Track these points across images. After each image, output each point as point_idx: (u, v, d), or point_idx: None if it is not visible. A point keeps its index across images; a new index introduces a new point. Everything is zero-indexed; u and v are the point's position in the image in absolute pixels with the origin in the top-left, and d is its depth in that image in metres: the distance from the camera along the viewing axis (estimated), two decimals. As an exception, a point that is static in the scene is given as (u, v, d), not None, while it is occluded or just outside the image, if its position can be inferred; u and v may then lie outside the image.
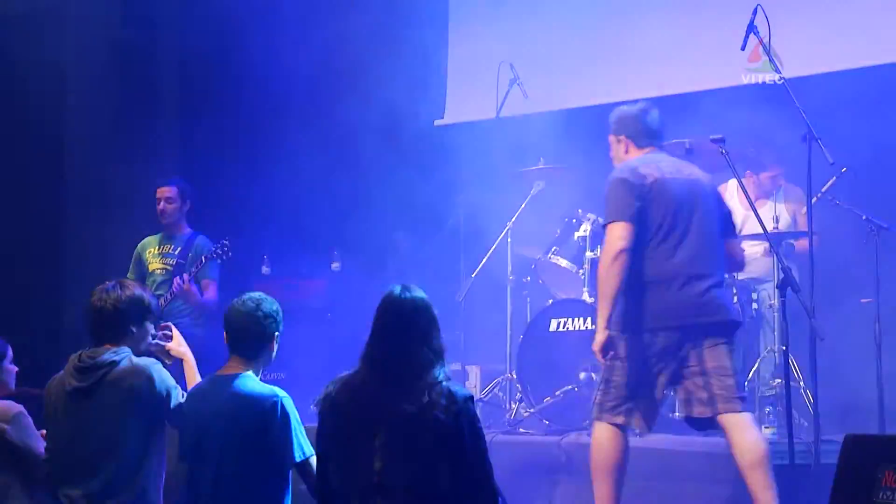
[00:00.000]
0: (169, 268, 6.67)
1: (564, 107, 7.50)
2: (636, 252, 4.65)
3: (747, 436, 4.60)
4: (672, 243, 4.68)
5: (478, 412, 3.93)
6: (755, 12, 5.25)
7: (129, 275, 6.75)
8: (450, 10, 8.38)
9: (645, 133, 4.96)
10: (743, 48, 5.38)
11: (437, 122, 8.37)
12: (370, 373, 3.57)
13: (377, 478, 3.43)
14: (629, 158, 4.92)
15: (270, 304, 4.15)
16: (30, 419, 4.38)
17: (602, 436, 4.74)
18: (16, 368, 4.65)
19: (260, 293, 4.19)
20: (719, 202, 4.96)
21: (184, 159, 8.68)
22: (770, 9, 5.27)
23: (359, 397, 3.54)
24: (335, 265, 8.14)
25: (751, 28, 5.28)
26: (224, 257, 6.44)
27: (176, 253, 6.70)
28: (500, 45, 7.49)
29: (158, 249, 6.76)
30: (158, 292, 6.51)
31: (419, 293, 3.64)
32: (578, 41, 7.64)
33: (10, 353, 4.62)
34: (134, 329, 4.23)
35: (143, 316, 4.27)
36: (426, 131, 8.25)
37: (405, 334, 3.56)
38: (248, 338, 4.10)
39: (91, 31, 8.02)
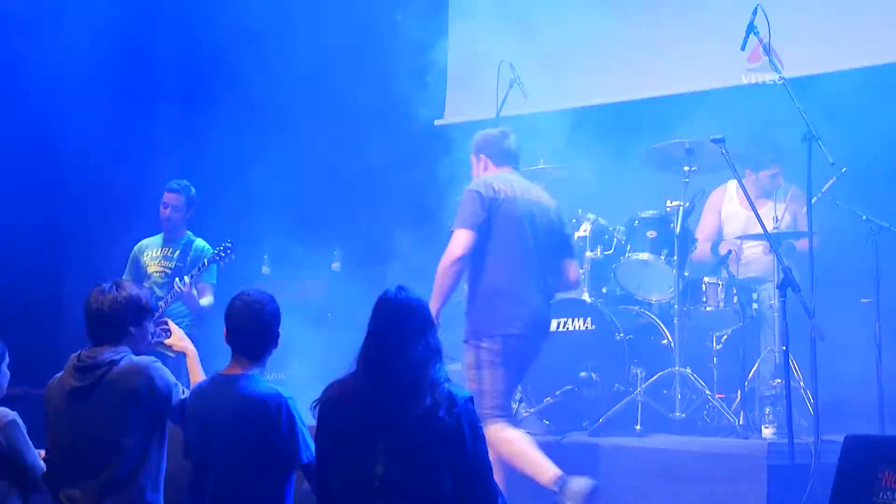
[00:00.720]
0: (168, 270, 6.66)
1: (564, 107, 7.50)
2: (484, 260, 5.13)
3: None
4: (512, 257, 5.16)
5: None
6: (755, 12, 5.24)
7: (124, 276, 6.74)
8: (450, 9, 8.38)
9: (502, 154, 5.40)
10: (743, 48, 5.38)
11: (438, 122, 8.36)
12: (367, 375, 3.55)
13: (379, 481, 3.42)
14: (487, 175, 5.36)
15: (273, 304, 4.14)
16: (23, 427, 4.36)
17: (506, 431, 5.06)
18: (8, 374, 4.62)
19: (261, 291, 4.17)
20: (561, 225, 5.39)
21: (184, 158, 8.68)
22: (770, 9, 5.26)
23: (358, 400, 3.53)
24: (335, 265, 8.14)
25: (751, 28, 5.28)
26: (226, 260, 6.43)
27: (175, 256, 6.68)
28: (501, 45, 7.47)
29: (158, 252, 6.74)
30: (158, 294, 6.51)
31: (414, 294, 3.63)
32: (579, 41, 7.64)
33: (6, 357, 4.60)
34: (132, 329, 4.21)
35: (141, 316, 4.25)
36: (426, 131, 8.25)
37: (400, 335, 3.54)
38: (252, 338, 4.09)
39: (91, 29, 8.01)
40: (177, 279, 6.41)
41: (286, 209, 8.13)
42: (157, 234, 6.85)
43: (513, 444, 5.02)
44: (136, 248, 6.83)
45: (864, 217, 5.80)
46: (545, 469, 4.89)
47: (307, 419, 3.91)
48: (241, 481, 3.93)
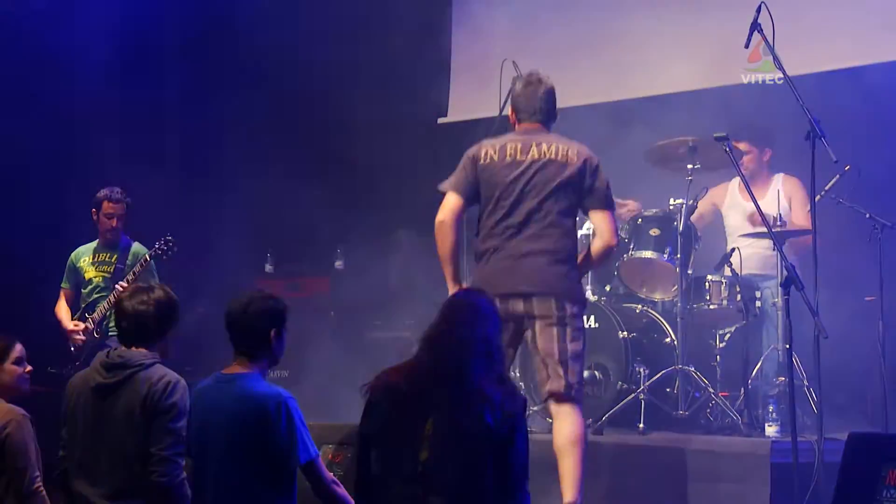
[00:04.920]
0: (107, 274, 6.64)
1: (567, 105, 7.46)
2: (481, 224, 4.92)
3: (562, 426, 4.70)
4: (498, 218, 4.82)
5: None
6: (759, 10, 5.24)
7: (63, 283, 6.75)
8: (453, 8, 8.38)
9: (525, 109, 5.01)
10: (747, 46, 5.38)
11: (441, 120, 8.36)
12: (424, 367, 3.61)
13: (421, 467, 3.44)
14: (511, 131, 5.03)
15: (263, 302, 4.12)
16: (29, 430, 4.37)
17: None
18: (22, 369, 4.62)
19: (259, 290, 4.20)
20: (580, 178, 4.84)
21: (186, 157, 8.68)
22: (771, 7, 5.26)
23: (410, 388, 3.57)
24: (338, 263, 8.14)
25: (754, 26, 5.27)
26: (168, 254, 6.44)
27: (113, 260, 6.67)
28: (504, 43, 7.48)
29: (94, 258, 6.73)
30: (100, 295, 6.54)
31: (482, 296, 3.79)
32: (581, 39, 7.63)
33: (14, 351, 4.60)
34: (168, 333, 4.23)
35: (173, 320, 4.27)
36: (429, 129, 8.24)
37: (463, 334, 3.62)
38: (242, 337, 4.10)
39: (94, 27, 8.01)
40: (119, 283, 6.42)
41: (288, 207, 8.14)
42: (93, 241, 6.79)
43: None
44: (72, 255, 6.80)
45: (867, 215, 5.79)
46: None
47: (319, 411, 3.91)
48: (238, 479, 3.93)
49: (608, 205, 4.89)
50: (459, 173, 4.96)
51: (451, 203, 4.93)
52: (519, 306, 4.76)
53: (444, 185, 5.01)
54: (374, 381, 3.67)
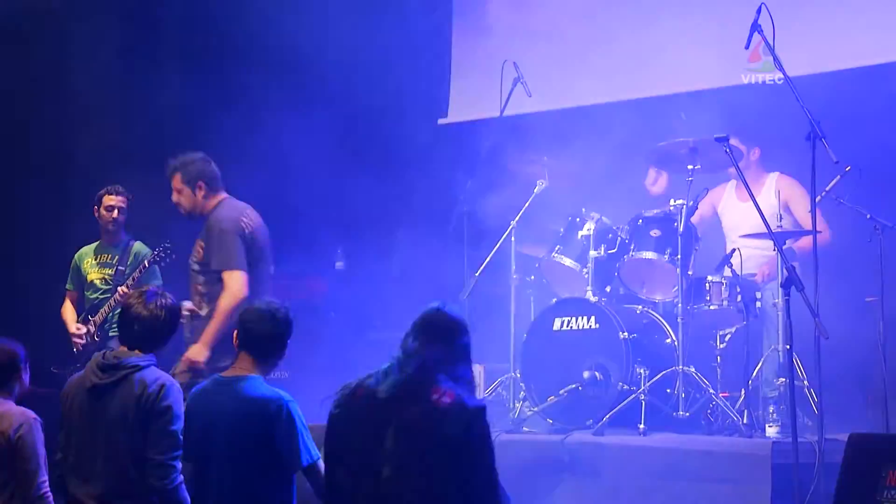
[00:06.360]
0: (107, 277, 6.64)
1: (568, 105, 7.49)
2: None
3: None
4: (260, 281, 5.56)
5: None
6: (759, 11, 5.24)
7: (67, 285, 6.76)
8: (454, 8, 8.38)
9: (216, 178, 5.75)
10: (747, 47, 5.38)
11: (441, 121, 8.36)
12: (384, 379, 3.55)
13: (384, 485, 3.41)
14: (217, 203, 5.68)
15: (288, 313, 4.24)
16: (40, 434, 4.38)
17: None
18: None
19: (278, 300, 4.29)
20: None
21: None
22: (771, 8, 5.26)
23: (370, 402, 3.52)
24: (339, 264, 8.14)
25: (755, 27, 5.27)
26: (166, 261, 6.44)
27: (114, 262, 6.67)
28: (504, 44, 7.48)
29: (96, 259, 6.73)
30: (103, 297, 6.53)
31: (454, 312, 3.71)
32: (582, 40, 7.62)
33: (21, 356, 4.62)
34: (168, 340, 4.29)
35: (175, 328, 4.32)
36: (430, 130, 8.24)
37: (421, 342, 3.57)
38: (265, 343, 4.16)
39: (95, 23, 8.01)
40: (120, 287, 6.42)
41: (289, 208, 8.14)
42: (96, 241, 6.83)
43: None
44: (76, 256, 6.83)
45: (868, 216, 5.79)
46: None
47: (318, 412, 3.90)
48: (239, 482, 3.94)
49: None
50: (240, 252, 5.49)
51: (246, 280, 5.41)
52: None
53: (233, 265, 5.45)
54: (337, 396, 3.61)
